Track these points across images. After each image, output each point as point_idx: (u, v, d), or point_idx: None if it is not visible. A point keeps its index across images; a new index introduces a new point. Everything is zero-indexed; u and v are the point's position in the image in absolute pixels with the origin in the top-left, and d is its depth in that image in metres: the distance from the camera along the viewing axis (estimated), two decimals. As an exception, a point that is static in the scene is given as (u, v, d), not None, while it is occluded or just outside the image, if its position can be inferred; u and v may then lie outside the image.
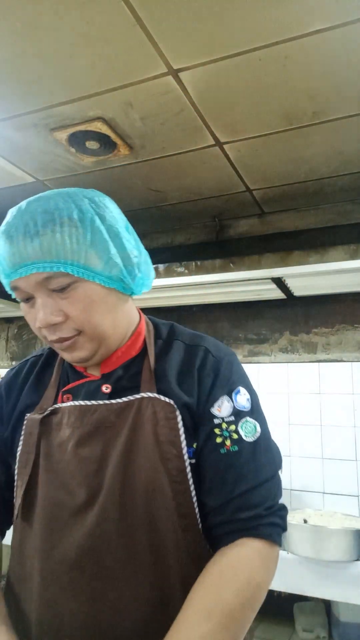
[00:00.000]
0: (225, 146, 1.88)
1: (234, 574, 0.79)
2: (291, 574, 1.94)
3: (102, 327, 0.87)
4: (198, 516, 0.86)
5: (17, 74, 1.47)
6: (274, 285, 2.31)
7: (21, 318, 3.27)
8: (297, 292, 2.50)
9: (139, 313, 1.01)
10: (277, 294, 2.50)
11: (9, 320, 3.35)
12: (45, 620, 0.83)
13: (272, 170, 2.08)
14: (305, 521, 2.13)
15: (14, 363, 3.28)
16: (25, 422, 0.95)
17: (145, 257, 0.95)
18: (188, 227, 2.76)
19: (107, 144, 1.85)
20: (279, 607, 2.38)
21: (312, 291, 2.52)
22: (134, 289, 0.91)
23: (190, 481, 0.85)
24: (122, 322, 0.92)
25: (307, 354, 2.61)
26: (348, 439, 2.47)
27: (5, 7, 1.23)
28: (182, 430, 0.86)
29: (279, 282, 2.24)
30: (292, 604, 2.40)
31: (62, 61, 1.42)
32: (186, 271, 2.24)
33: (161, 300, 2.69)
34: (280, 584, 1.94)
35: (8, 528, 1.01)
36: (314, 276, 2.16)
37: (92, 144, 1.85)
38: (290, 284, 2.30)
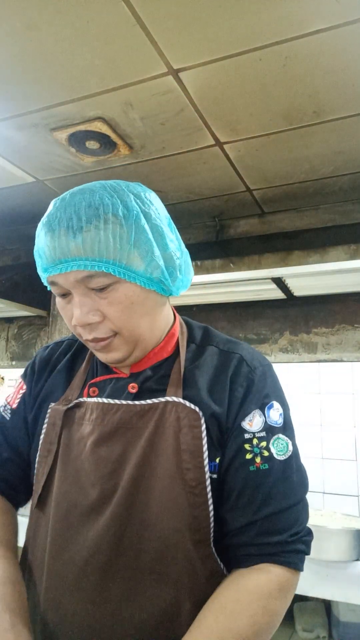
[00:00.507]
0: (225, 146, 1.88)
1: (250, 600, 0.76)
2: (291, 574, 1.94)
3: (140, 329, 0.84)
4: (212, 532, 0.82)
5: (17, 74, 1.47)
6: (274, 285, 2.31)
7: (21, 318, 3.27)
8: (297, 292, 2.50)
9: (174, 313, 0.98)
10: (277, 294, 2.50)
11: (9, 320, 3.35)
12: (49, 618, 0.82)
13: (272, 170, 2.08)
14: (305, 521, 2.12)
15: (14, 363, 3.28)
16: (49, 411, 0.92)
17: (186, 256, 0.92)
18: (188, 227, 2.76)
19: (107, 144, 1.85)
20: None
21: (312, 291, 2.52)
22: (173, 290, 0.88)
23: (209, 495, 0.81)
24: (159, 324, 0.89)
25: (307, 354, 2.61)
26: (348, 439, 2.47)
27: (5, 7, 1.23)
28: (205, 440, 0.82)
29: (279, 282, 2.24)
30: (292, 604, 2.40)
31: (62, 61, 1.41)
32: (186, 271, 2.24)
33: (161, 300, 2.69)
34: (280, 584, 1.93)
35: (23, 505, 0.99)
36: (314, 276, 2.16)
37: (92, 144, 1.85)
38: (290, 284, 2.30)
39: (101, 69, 1.44)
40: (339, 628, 2.20)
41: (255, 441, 0.84)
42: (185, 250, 0.92)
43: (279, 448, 0.85)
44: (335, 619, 2.24)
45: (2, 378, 3.27)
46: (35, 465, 0.93)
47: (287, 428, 0.88)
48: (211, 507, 0.81)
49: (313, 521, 2.12)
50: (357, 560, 1.90)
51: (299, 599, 2.36)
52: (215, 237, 2.68)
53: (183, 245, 0.92)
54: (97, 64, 1.42)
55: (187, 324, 0.99)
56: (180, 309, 3.19)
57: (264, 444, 0.84)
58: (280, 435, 0.86)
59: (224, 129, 1.76)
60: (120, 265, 0.79)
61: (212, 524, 0.82)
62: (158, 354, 0.91)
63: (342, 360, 2.54)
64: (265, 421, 0.86)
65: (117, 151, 1.90)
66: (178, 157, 1.96)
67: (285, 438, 0.86)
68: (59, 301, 0.86)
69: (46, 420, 0.92)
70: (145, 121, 1.71)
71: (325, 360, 2.58)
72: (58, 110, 1.65)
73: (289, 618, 2.38)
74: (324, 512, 2.23)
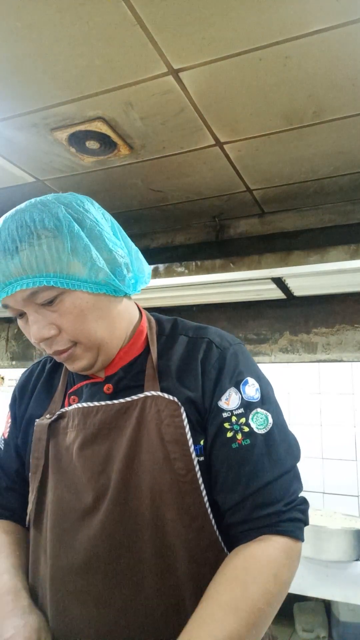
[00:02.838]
0: (225, 146, 1.88)
1: (259, 568, 0.75)
2: (291, 574, 1.94)
3: (97, 334, 0.85)
4: (211, 516, 0.82)
5: (17, 74, 1.47)
6: (274, 285, 2.31)
7: (21, 318, 3.27)
8: (297, 292, 2.50)
9: (140, 310, 0.99)
10: (277, 294, 2.50)
11: (9, 320, 3.36)
12: (57, 627, 0.82)
13: (272, 170, 2.08)
14: (305, 521, 2.12)
15: (14, 363, 3.28)
16: (34, 427, 0.94)
17: (135, 253, 0.92)
18: (188, 227, 2.76)
19: (107, 144, 1.85)
20: (279, 607, 2.38)
21: (312, 291, 2.52)
22: (125, 289, 0.88)
23: (200, 480, 0.82)
24: (119, 324, 0.90)
25: (307, 354, 2.61)
26: (348, 439, 2.47)
27: (5, 7, 1.23)
28: (187, 428, 0.83)
29: (279, 282, 2.24)
30: (292, 604, 2.40)
31: (62, 61, 1.41)
32: (186, 271, 2.24)
33: (161, 300, 2.69)
34: (280, 584, 1.94)
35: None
36: (314, 276, 2.16)
37: (92, 144, 1.85)
38: (290, 284, 2.31)
39: (101, 69, 1.45)
40: (338, 628, 2.20)
41: (234, 419, 0.84)
42: (135, 248, 0.93)
43: (258, 422, 0.85)
44: (335, 619, 2.24)
45: (2, 378, 3.27)
46: (30, 484, 0.93)
47: (265, 402, 0.88)
48: (204, 493, 0.82)
49: (313, 521, 2.12)
50: (357, 560, 1.90)
51: (299, 599, 2.36)
52: (215, 237, 2.68)
53: (131, 244, 0.93)
54: (97, 64, 1.42)
55: (155, 318, 1.00)
56: (180, 309, 3.20)
57: (242, 420, 0.85)
58: (259, 410, 0.86)
59: (224, 129, 1.76)
60: (62, 275, 0.79)
61: (209, 509, 0.82)
62: (129, 353, 0.92)
63: (342, 360, 2.54)
64: (242, 398, 0.86)
65: (117, 151, 1.91)
66: (178, 157, 1.96)
67: (264, 411, 0.87)
68: (18, 322, 0.87)
69: (32, 437, 0.94)
70: (146, 121, 1.71)
71: (325, 360, 2.58)
72: (58, 110, 1.65)
73: (289, 618, 2.38)
74: (324, 512, 2.23)
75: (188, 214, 2.58)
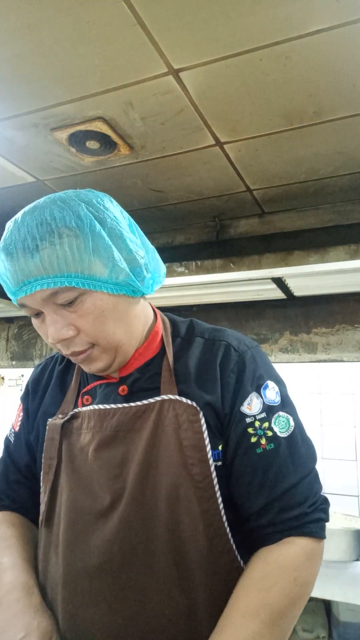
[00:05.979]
0: (225, 146, 1.88)
1: (280, 572, 0.76)
2: (291, 574, 1.93)
3: (116, 335, 0.83)
4: (226, 524, 0.81)
5: (17, 74, 1.47)
6: (274, 285, 2.31)
7: (21, 318, 3.27)
8: (297, 292, 2.50)
9: (154, 311, 0.98)
10: (277, 294, 2.50)
11: (9, 320, 3.35)
12: (68, 628, 0.81)
13: (272, 170, 2.08)
14: (305, 521, 2.12)
15: (14, 363, 3.28)
16: (47, 427, 0.93)
17: (152, 254, 0.91)
18: (188, 227, 2.76)
19: (107, 143, 1.85)
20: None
21: (312, 291, 2.52)
22: (143, 290, 0.87)
23: (217, 487, 0.81)
24: (136, 326, 0.88)
25: (307, 354, 2.61)
26: (348, 439, 2.47)
27: (5, 6, 1.23)
28: (206, 434, 0.81)
29: (279, 282, 2.24)
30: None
31: (62, 61, 1.41)
32: (186, 271, 2.24)
33: (161, 300, 2.69)
34: (280, 584, 1.93)
35: (36, 524, 0.99)
36: (314, 276, 2.16)
37: (92, 144, 1.85)
38: (291, 284, 2.30)
39: (101, 69, 1.44)
40: (339, 628, 2.19)
41: (257, 423, 0.84)
42: (152, 248, 0.92)
43: (281, 426, 0.85)
44: (335, 619, 2.24)
45: (2, 378, 3.27)
46: (41, 484, 0.93)
47: (285, 404, 0.88)
48: (220, 500, 0.81)
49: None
50: (357, 560, 1.90)
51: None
52: (215, 237, 2.68)
53: (148, 243, 0.91)
54: (97, 64, 1.42)
55: (170, 319, 0.99)
56: (180, 309, 3.20)
57: (266, 424, 0.84)
58: (281, 413, 0.86)
59: (224, 129, 1.76)
60: (83, 276, 0.77)
61: (224, 517, 0.81)
62: (144, 354, 0.91)
63: (342, 360, 2.54)
64: (264, 402, 0.86)
65: (117, 151, 1.90)
66: (178, 157, 1.96)
67: (286, 414, 0.87)
68: (34, 321, 0.85)
69: (45, 436, 0.93)
70: (146, 121, 1.71)
71: (325, 360, 2.58)
72: (58, 110, 1.65)
73: (289, 618, 2.38)
74: (324, 512, 2.22)
75: (188, 214, 2.58)
